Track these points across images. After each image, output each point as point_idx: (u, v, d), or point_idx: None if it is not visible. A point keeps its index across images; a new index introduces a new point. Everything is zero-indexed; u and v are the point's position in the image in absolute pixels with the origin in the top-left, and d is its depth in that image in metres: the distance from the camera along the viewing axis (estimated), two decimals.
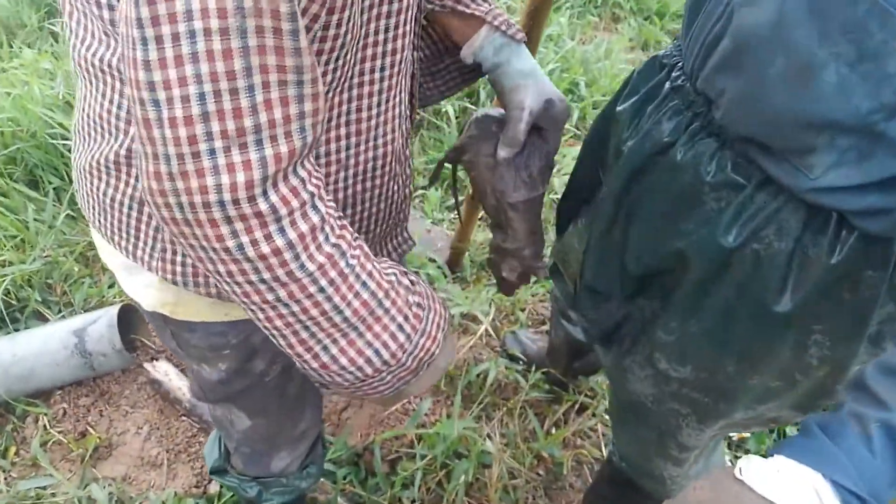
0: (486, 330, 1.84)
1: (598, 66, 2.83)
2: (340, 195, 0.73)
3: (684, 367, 0.89)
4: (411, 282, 0.67)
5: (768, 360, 0.80)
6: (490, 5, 0.84)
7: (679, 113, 0.79)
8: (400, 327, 0.62)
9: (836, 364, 0.77)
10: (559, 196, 2.23)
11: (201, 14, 0.43)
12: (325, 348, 0.60)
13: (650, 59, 0.88)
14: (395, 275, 0.64)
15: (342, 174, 0.71)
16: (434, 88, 0.96)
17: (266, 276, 0.53)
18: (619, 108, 0.89)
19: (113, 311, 1.61)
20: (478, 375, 1.70)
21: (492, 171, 0.87)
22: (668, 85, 0.81)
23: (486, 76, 0.87)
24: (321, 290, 0.55)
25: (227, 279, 0.54)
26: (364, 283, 0.58)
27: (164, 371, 1.62)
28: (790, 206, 0.70)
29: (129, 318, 1.69)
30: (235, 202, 0.48)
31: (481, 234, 2.06)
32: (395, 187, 0.80)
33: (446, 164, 0.96)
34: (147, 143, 0.48)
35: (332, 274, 0.55)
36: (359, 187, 0.74)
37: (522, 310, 1.95)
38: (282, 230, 0.51)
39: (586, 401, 1.72)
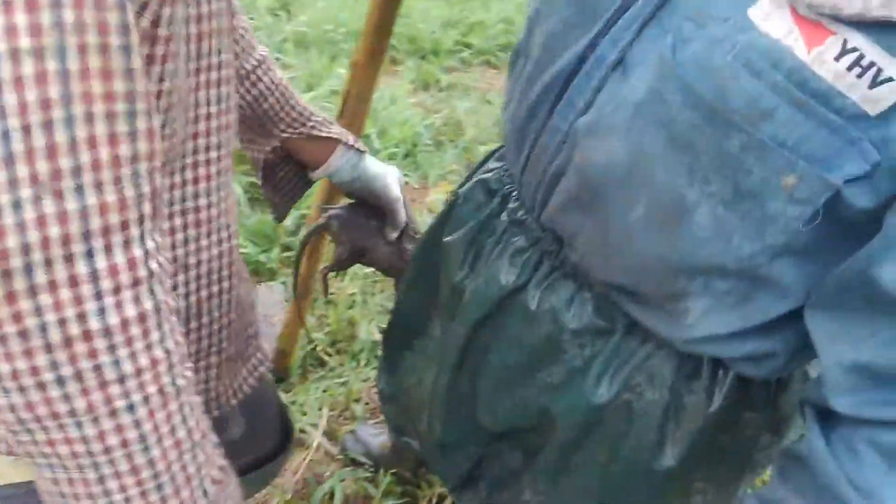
0: (322, 437, 1.65)
1: (385, 115, 2.75)
2: (182, 303, 0.60)
3: None
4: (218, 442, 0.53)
5: None
6: (333, 123, 0.90)
7: (524, 251, 0.69)
8: (205, 493, 0.48)
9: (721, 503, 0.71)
10: None
11: (6, 33, 0.35)
12: None
13: (475, 183, 0.78)
14: (207, 421, 0.50)
15: (181, 277, 0.60)
16: (277, 202, 1.00)
17: (65, 371, 0.39)
18: (446, 240, 0.77)
19: None
20: (322, 498, 1.51)
21: (389, 251, 1.00)
22: (505, 217, 0.71)
23: (338, 184, 0.94)
24: (131, 408, 0.42)
25: (8, 382, 0.39)
26: (184, 419, 0.45)
27: None
28: (661, 353, 0.63)
29: None
30: (47, 263, 0.38)
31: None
32: (245, 293, 0.68)
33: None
34: None
35: (151, 390, 0.42)
36: (204, 293, 0.61)
37: (357, 401, 1.78)
38: (101, 310, 0.39)
39: (443, 491, 1.60)
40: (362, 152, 0.93)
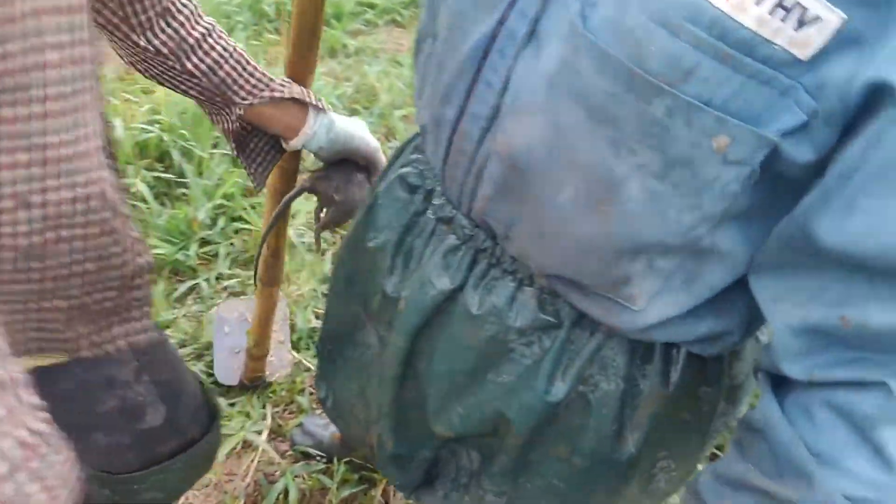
0: (269, 436, 1.59)
1: None
2: (23, 241, 0.57)
3: None
4: (39, 404, 0.47)
5: (616, 500, 0.71)
6: (292, 83, 0.86)
7: (456, 250, 0.64)
8: (1, 454, 0.41)
9: (684, 477, 0.71)
10: None
11: None
12: None
13: (393, 179, 0.72)
14: (21, 375, 0.44)
15: (23, 214, 0.56)
16: (253, 171, 0.97)
17: None
18: (371, 244, 0.72)
19: None
20: (277, 498, 1.46)
21: None
22: (431, 214, 0.66)
23: (316, 150, 0.91)
24: None
25: None
26: None
27: None
28: (612, 342, 0.60)
29: None
30: None
31: None
32: (117, 249, 0.64)
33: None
34: None
35: None
36: (50, 235, 0.58)
37: (301, 391, 1.72)
38: None
39: None
40: (326, 111, 0.90)
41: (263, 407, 1.63)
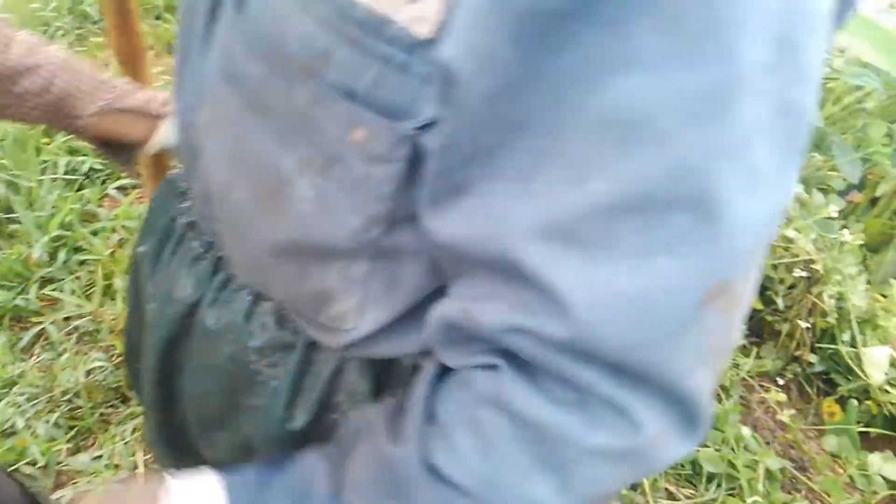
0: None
1: None
2: None
3: None
4: None
5: None
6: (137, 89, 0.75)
7: (200, 258, 0.59)
8: None
9: None
10: None
11: None
12: None
13: (163, 183, 0.67)
14: None
15: None
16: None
17: None
18: (138, 250, 0.67)
19: None
20: None
21: None
22: (182, 219, 0.61)
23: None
24: None
25: None
26: None
27: None
28: (352, 364, 0.55)
29: None
30: None
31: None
32: None
33: None
34: None
35: None
36: None
37: None
38: None
39: None
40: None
41: (132, 455, 1.52)
